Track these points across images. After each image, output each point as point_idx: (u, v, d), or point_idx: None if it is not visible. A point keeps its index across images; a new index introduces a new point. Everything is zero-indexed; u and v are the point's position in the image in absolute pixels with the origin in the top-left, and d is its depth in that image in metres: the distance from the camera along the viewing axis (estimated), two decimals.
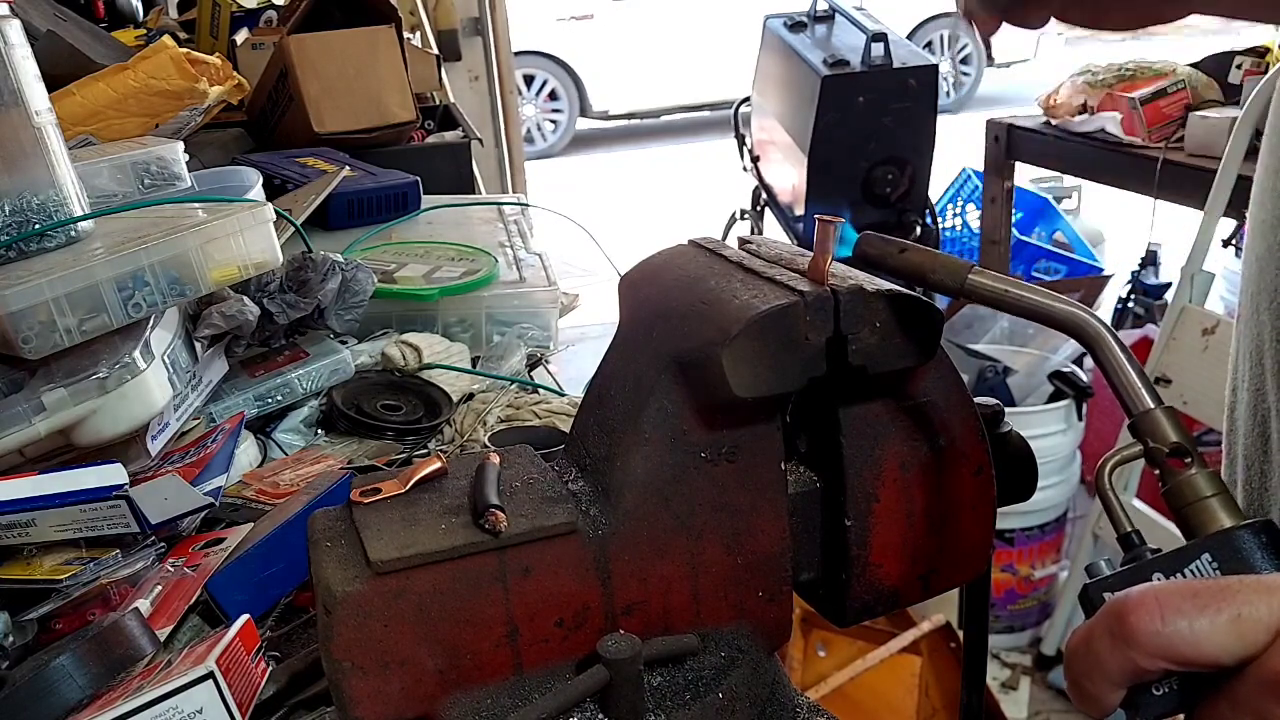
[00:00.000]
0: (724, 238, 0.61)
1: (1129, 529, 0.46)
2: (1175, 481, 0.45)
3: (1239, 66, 2.57)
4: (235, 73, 1.75)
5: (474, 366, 1.27)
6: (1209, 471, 0.45)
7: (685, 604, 0.50)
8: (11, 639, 0.76)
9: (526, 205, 1.87)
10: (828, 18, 3.36)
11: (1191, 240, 2.32)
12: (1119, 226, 4.38)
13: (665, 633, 0.50)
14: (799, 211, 3.33)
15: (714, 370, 0.45)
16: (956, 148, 4.07)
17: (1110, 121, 2.61)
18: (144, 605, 0.78)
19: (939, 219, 3.43)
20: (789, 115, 3.30)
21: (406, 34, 2.31)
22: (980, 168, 3.24)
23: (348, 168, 1.75)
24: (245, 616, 0.71)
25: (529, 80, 8.55)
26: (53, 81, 1.09)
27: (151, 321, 0.97)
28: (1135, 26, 0.70)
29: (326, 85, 1.96)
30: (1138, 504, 2.50)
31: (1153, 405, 0.45)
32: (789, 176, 3.39)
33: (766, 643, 0.53)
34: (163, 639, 0.76)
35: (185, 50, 1.61)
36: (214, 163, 1.77)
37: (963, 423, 0.53)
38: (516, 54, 5.26)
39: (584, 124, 8.99)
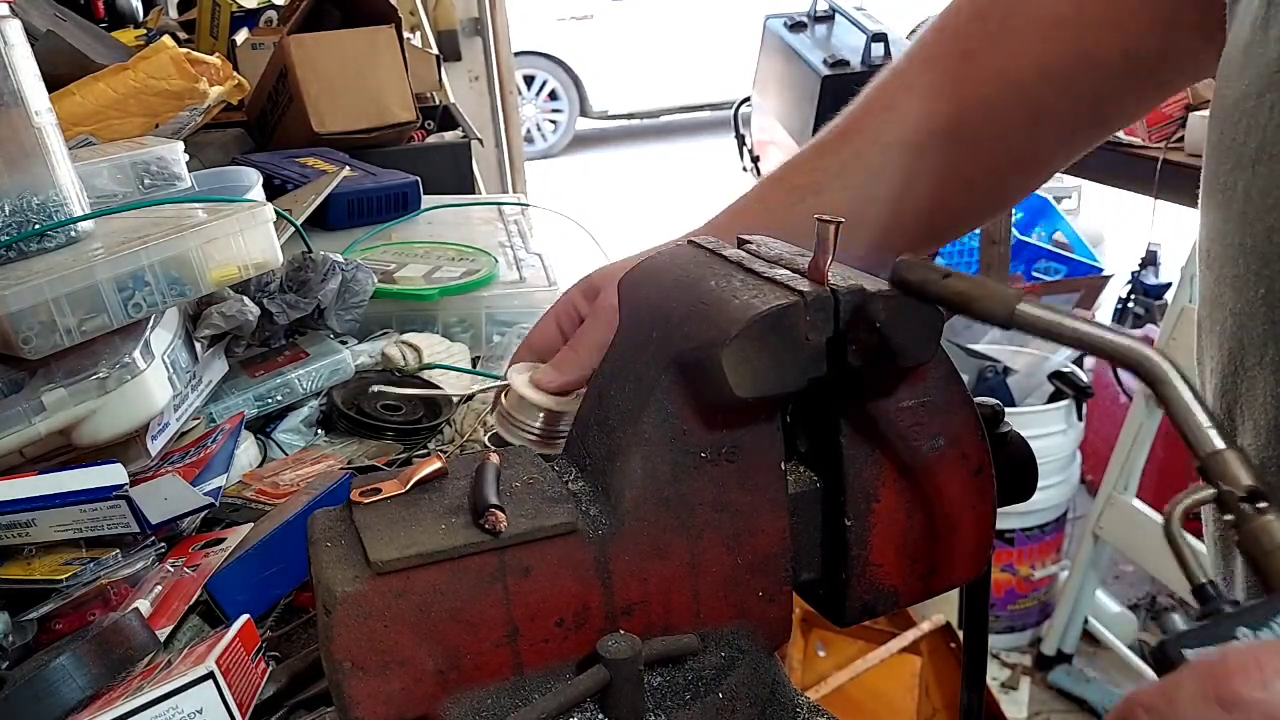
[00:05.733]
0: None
1: (1204, 579, 0.42)
2: (1251, 527, 0.41)
3: None
4: (235, 73, 1.75)
5: (474, 366, 1.27)
6: None
7: (685, 604, 0.51)
8: (11, 639, 0.76)
9: (526, 205, 1.87)
10: (828, 18, 3.36)
11: (1191, 240, 2.32)
12: (1119, 226, 4.38)
13: (665, 633, 0.50)
14: None
15: (714, 370, 0.45)
16: None
17: None
18: (144, 605, 0.78)
19: None
20: (789, 115, 3.30)
21: (406, 34, 2.31)
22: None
23: (348, 168, 1.75)
24: (245, 616, 0.71)
25: (529, 80, 8.55)
26: (53, 81, 1.09)
27: (151, 321, 0.97)
28: None
29: (326, 85, 1.96)
30: (1137, 504, 2.51)
31: (1223, 446, 0.42)
32: None
33: (767, 643, 0.53)
34: (163, 639, 0.76)
35: (185, 50, 1.61)
36: (214, 163, 1.77)
37: (963, 423, 0.53)
38: (516, 54, 5.26)
39: (584, 124, 8.99)
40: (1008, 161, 0.78)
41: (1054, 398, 2.72)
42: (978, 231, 3.66)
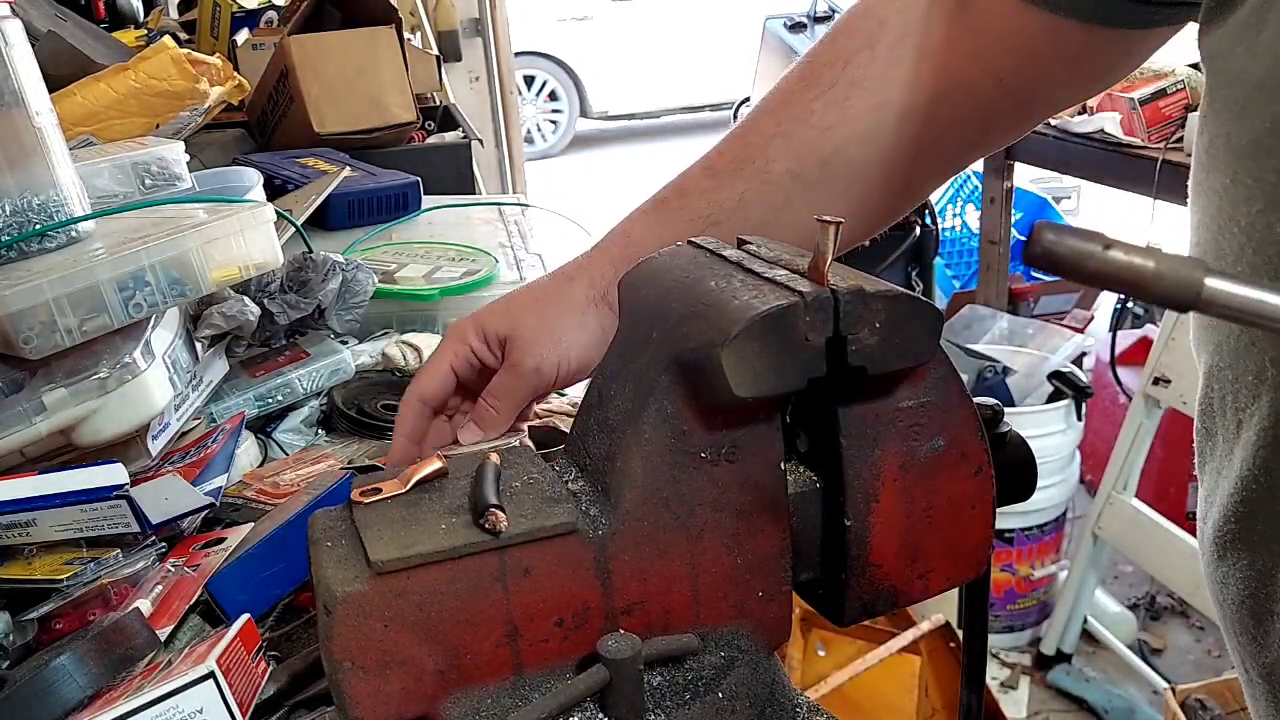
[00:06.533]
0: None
1: None
2: None
3: None
4: (236, 73, 1.75)
5: None
6: None
7: (685, 604, 0.51)
8: (12, 639, 0.76)
9: (527, 205, 1.87)
10: (827, 18, 3.36)
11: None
12: (1118, 227, 4.38)
13: (665, 632, 0.50)
14: None
15: (714, 370, 0.46)
16: None
17: (1109, 122, 2.61)
18: (144, 605, 0.78)
19: (939, 219, 3.43)
20: None
21: (407, 34, 2.31)
22: (979, 168, 3.24)
23: (348, 168, 1.75)
24: (245, 616, 0.71)
25: (529, 81, 8.55)
26: (53, 82, 1.09)
27: (152, 322, 0.97)
28: None
29: (327, 86, 1.96)
30: (1137, 504, 2.51)
31: None
32: None
33: (766, 642, 0.53)
34: (163, 639, 0.76)
35: (186, 51, 1.61)
36: (214, 163, 1.77)
37: (962, 423, 0.53)
38: (516, 54, 5.26)
39: (584, 124, 8.99)
40: (883, 188, 0.80)
41: (1053, 398, 2.72)
42: (977, 232, 3.66)
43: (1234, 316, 0.34)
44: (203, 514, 0.91)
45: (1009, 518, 2.67)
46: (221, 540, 0.87)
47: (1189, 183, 0.65)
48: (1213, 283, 0.33)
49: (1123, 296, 3.38)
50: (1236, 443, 0.62)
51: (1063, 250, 0.34)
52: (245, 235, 1.02)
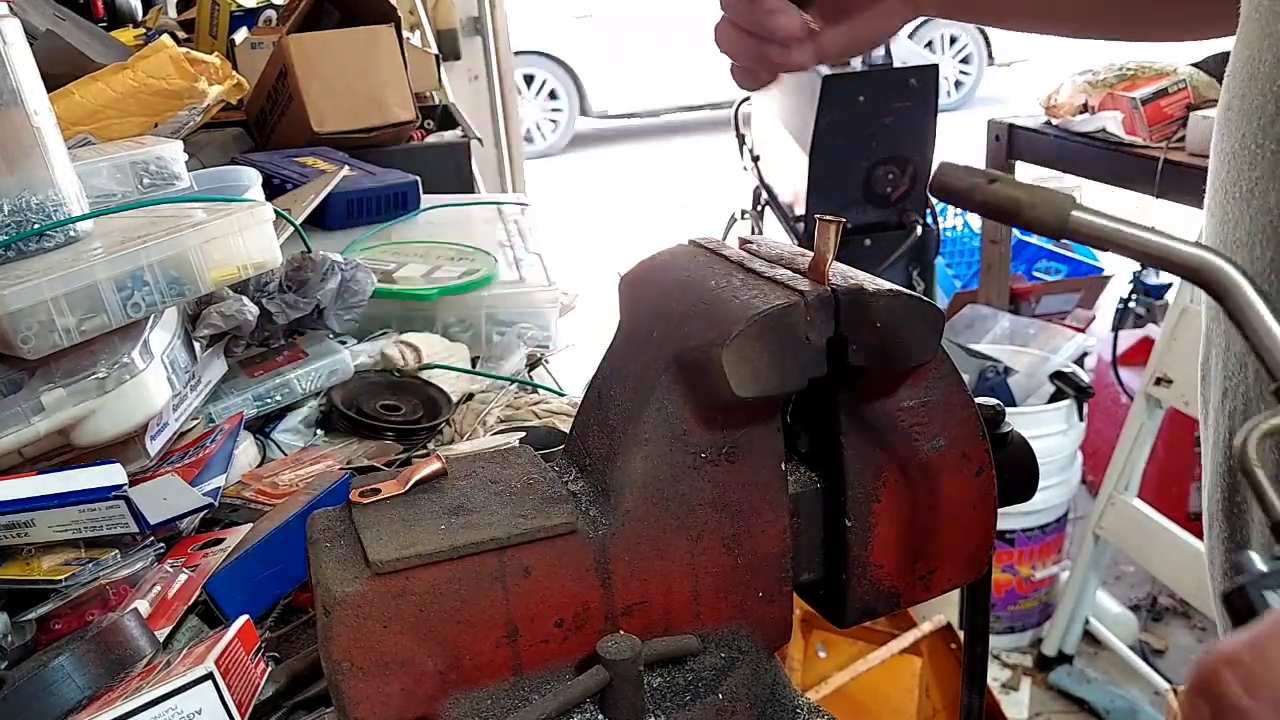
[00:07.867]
0: (724, 238, 0.61)
1: None
2: None
3: None
4: (234, 72, 1.75)
5: (474, 366, 1.27)
6: None
7: (685, 604, 0.50)
8: (11, 639, 0.76)
9: (526, 205, 1.87)
10: None
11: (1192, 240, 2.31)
12: None
13: (665, 633, 0.50)
14: (800, 211, 3.33)
15: (714, 370, 0.45)
16: (957, 147, 4.06)
17: (1111, 121, 2.60)
18: (143, 606, 0.78)
19: (940, 218, 3.43)
20: (789, 115, 3.30)
21: (406, 33, 2.31)
22: (981, 168, 3.24)
23: (347, 167, 1.74)
24: (244, 617, 0.71)
25: (529, 80, 8.54)
26: (52, 81, 1.08)
27: (150, 321, 0.97)
28: None
29: (326, 85, 1.96)
30: (1138, 504, 2.50)
31: None
32: (789, 176, 3.39)
33: (767, 643, 0.53)
34: (162, 639, 0.75)
35: (184, 50, 1.61)
36: (213, 162, 1.77)
37: (963, 423, 0.53)
38: (516, 54, 5.26)
39: (584, 124, 8.98)
40: None
41: (1055, 398, 2.72)
42: (978, 231, 3.66)
43: (1095, 242, 0.41)
44: (201, 514, 0.91)
45: (1010, 518, 2.66)
46: (220, 541, 0.87)
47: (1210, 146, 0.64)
48: (1078, 215, 0.40)
49: (1123, 297, 3.38)
50: (1222, 412, 0.61)
51: (955, 182, 0.42)
52: (244, 235, 1.02)
